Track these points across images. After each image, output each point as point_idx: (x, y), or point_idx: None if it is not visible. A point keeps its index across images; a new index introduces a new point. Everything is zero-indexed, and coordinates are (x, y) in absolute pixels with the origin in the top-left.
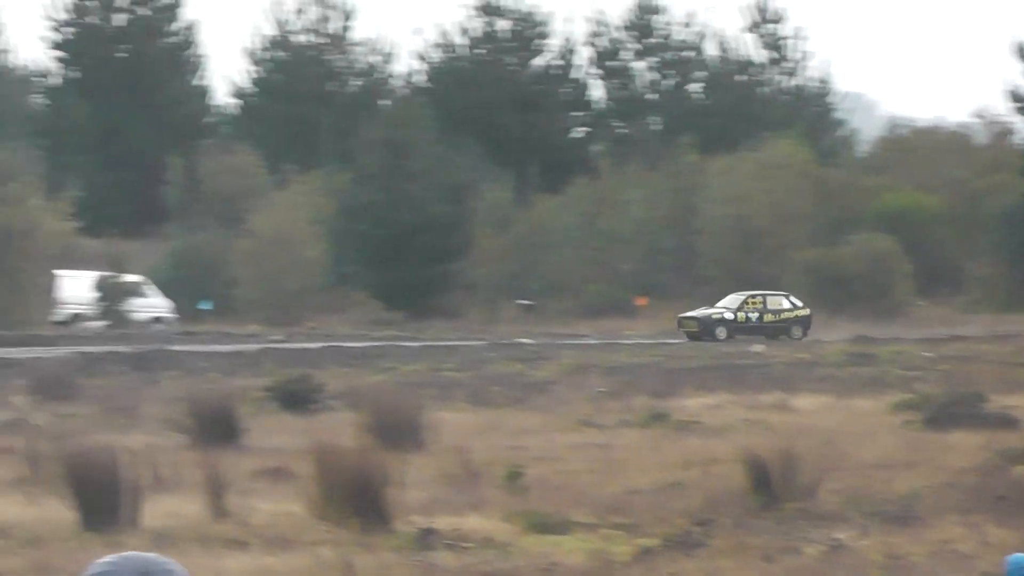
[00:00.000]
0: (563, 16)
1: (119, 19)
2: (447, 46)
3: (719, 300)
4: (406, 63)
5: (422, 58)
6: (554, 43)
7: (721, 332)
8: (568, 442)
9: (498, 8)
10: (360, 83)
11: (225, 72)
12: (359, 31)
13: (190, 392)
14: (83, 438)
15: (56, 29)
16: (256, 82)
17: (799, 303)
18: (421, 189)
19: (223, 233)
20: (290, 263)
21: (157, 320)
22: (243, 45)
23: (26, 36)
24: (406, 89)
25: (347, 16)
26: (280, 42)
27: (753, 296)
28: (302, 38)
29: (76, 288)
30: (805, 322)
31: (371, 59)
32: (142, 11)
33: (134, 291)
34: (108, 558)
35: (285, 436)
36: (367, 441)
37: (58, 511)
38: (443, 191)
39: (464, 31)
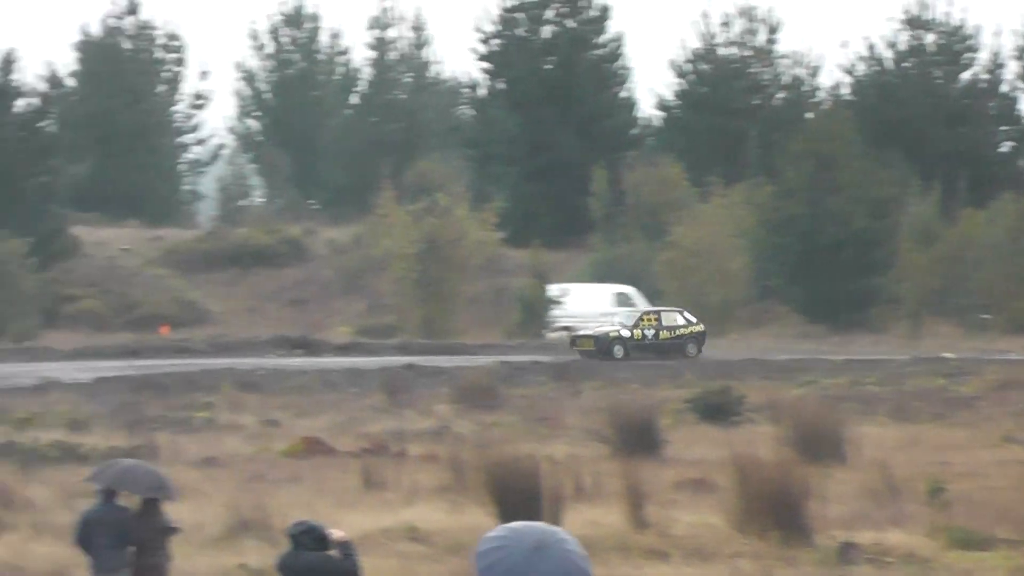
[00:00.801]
0: (991, 30)
1: (546, 31)
2: (873, 59)
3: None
4: (832, 76)
5: (848, 71)
6: (982, 57)
7: (618, 351)
8: (992, 458)
9: (926, 22)
10: (785, 96)
11: (650, 84)
12: (785, 44)
13: (611, 402)
14: (505, 447)
15: (484, 41)
16: (681, 94)
17: (694, 319)
18: (845, 203)
19: (646, 245)
20: (713, 275)
21: None
22: (668, 57)
23: (455, 48)
24: (831, 102)
25: (773, 29)
26: (705, 55)
27: (648, 313)
28: (728, 51)
29: (582, 302)
30: (700, 339)
31: (796, 72)
32: (569, 24)
33: (625, 302)
34: (500, 530)
35: (705, 448)
36: (788, 454)
37: (480, 519)
38: (868, 205)
39: (891, 44)
